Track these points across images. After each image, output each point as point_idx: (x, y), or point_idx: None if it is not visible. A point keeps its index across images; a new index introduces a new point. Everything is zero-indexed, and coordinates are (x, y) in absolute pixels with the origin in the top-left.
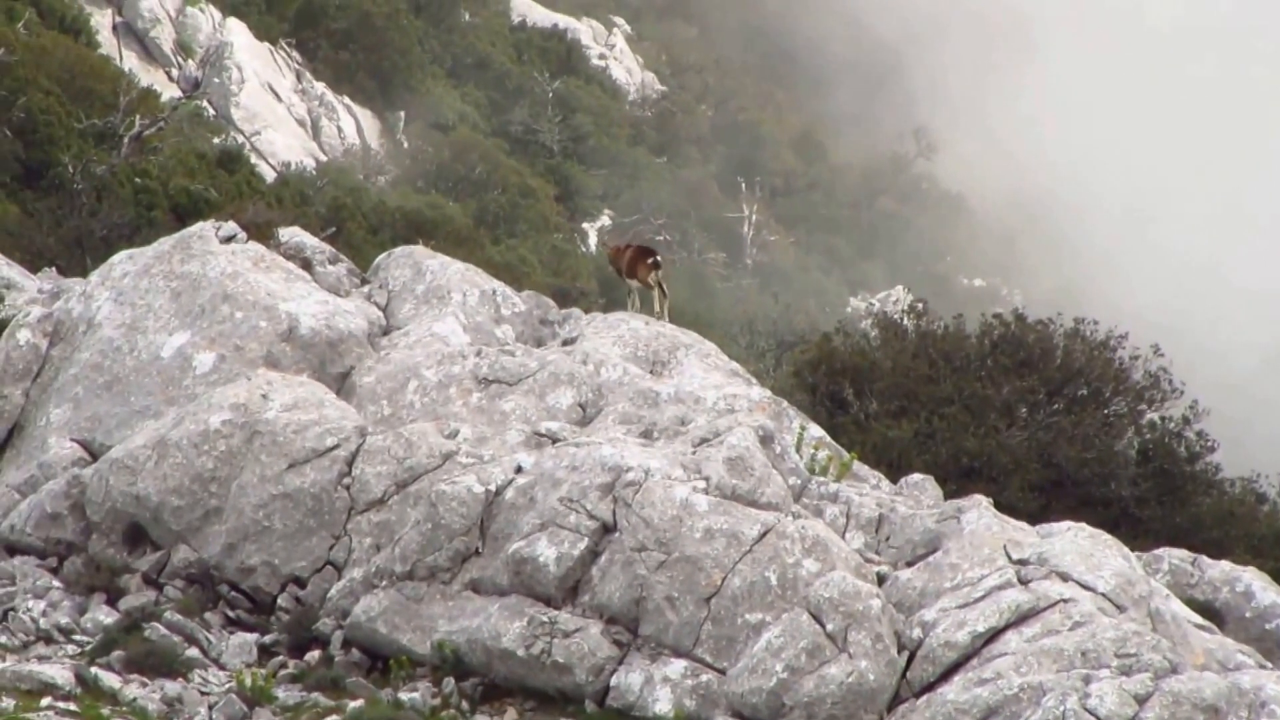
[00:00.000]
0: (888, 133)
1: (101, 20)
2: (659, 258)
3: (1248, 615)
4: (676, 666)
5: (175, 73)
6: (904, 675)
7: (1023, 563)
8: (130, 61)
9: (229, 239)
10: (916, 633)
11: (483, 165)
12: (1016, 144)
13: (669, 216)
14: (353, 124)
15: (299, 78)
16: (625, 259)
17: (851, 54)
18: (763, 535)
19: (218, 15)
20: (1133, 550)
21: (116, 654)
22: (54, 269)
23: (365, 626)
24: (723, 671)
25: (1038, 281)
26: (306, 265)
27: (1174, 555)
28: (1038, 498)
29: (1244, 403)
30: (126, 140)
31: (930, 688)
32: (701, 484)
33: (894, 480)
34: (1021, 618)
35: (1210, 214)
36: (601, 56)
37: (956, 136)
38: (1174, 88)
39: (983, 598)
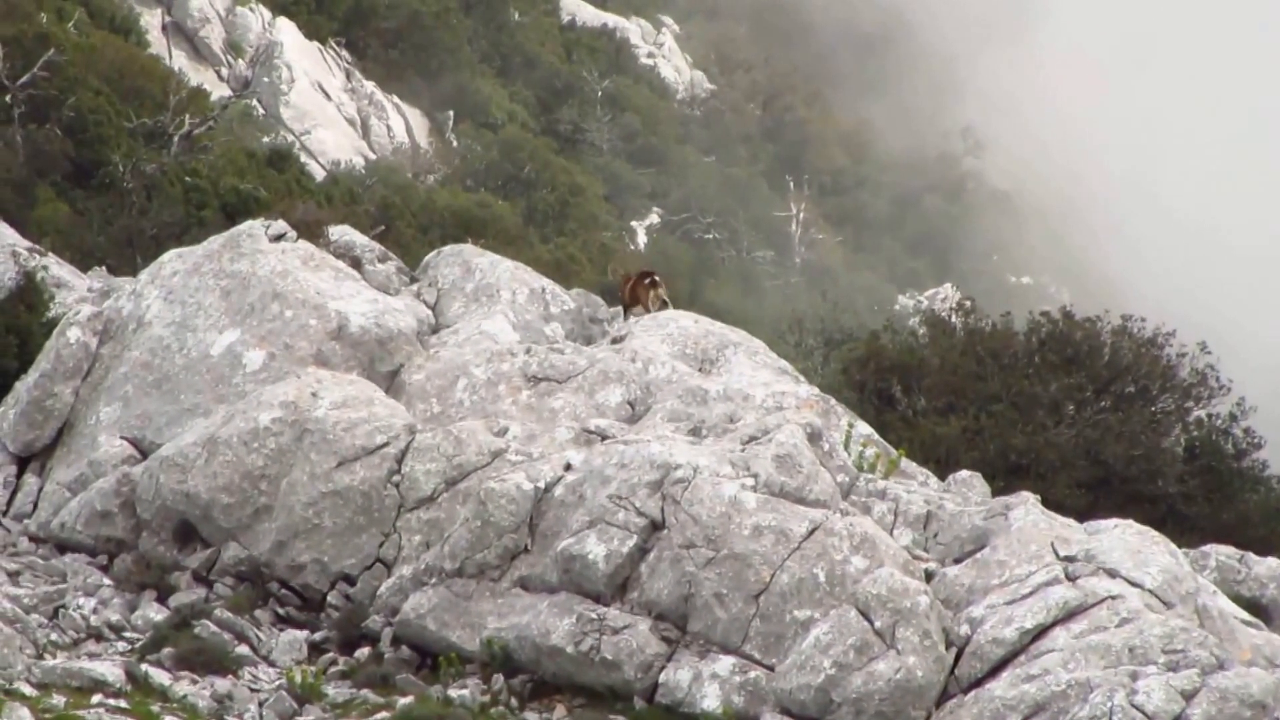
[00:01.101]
0: (933, 130)
1: (151, 20)
2: (656, 276)
3: None
4: (725, 663)
5: (225, 72)
6: (952, 671)
7: (1070, 559)
8: (180, 61)
9: (278, 237)
10: (964, 629)
11: (532, 164)
12: (1062, 141)
13: (717, 215)
14: (402, 123)
15: (348, 77)
16: (628, 289)
17: (896, 51)
18: (811, 532)
19: (267, 14)
20: (1180, 547)
21: (167, 651)
22: (104, 268)
23: (415, 624)
24: (771, 668)
25: (1085, 278)
26: (356, 264)
27: (1221, 552)
28: (1085, 495)
29: None
30: (176, 139)
31: (978, 684)
32: (750, 481)
33: (942, 477)
34: (1069, 614)
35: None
36: (650, 55)
37: (1002, 133)
38: (1223, 77)
39: (1030, 594)
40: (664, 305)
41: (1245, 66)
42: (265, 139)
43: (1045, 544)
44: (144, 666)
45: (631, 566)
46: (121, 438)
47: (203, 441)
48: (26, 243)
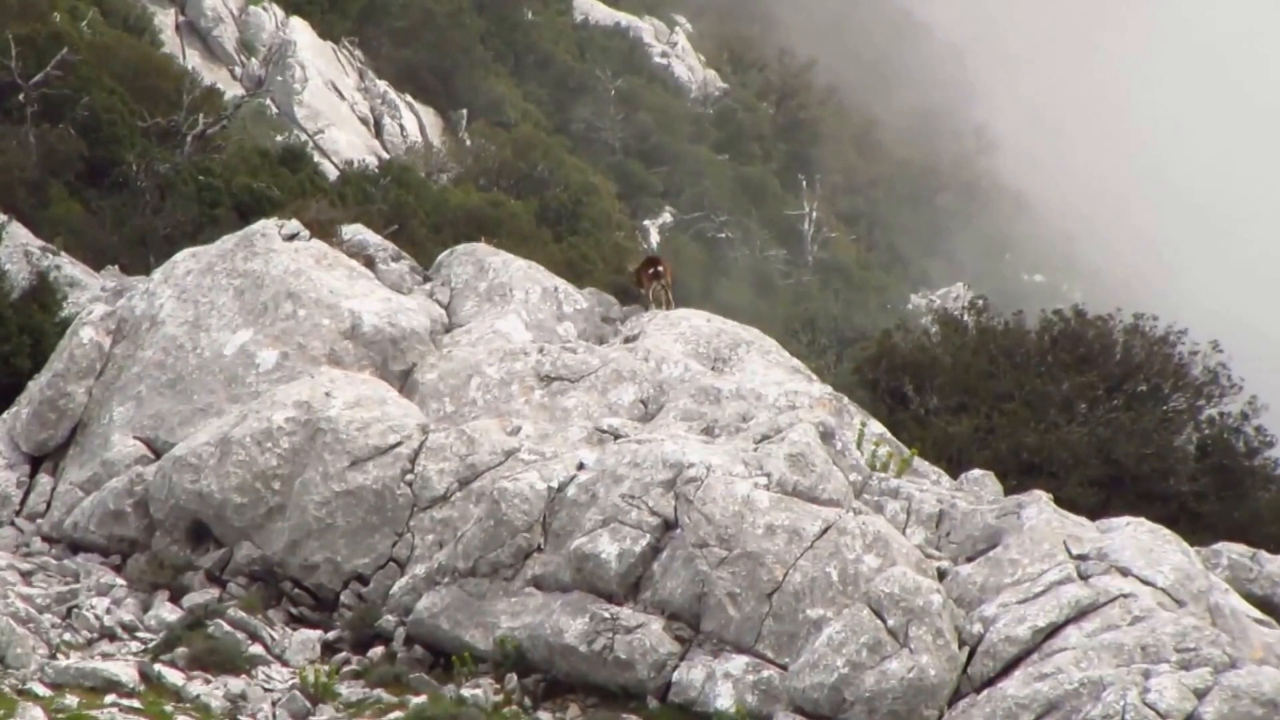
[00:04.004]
0: (946, 128)
1: (165, 19)
2: (661, 266)
3: None
4: (738, 662)
5: (238, 71)
6: (964, 670)
7: (1082, 558)
8: (193, 60)
9: (292, 237)
10: (977, 628)
11: (545, 163)
12: (1074, 140)
13: (730, 214)
14: (415, 122)
15: (361, 76)
16: (637, 274)
17: (909, 49)
18: (824, 531)
19: (280, 14)
20: (1192, 545)
21: (180, 651)
22: (117, 267)
23: (428, 623)
24: (784, 667)
25: (1097, 277)
26: (369, 263)
27: (1233, 550)
28: (1097, 493)
29: None
30: (190, 138)
31: (991, 683)
32: (763, 480)
33: (954, 476)
34: (1081, 613)
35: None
36: (663, 54)
37: (1015, 132)
38: (1240, 75)
39: (1043, 593)
40: (665, 291)
41: (1264, 61)
42: (279, 138)
43: (1057, 542)
44: (157, 666)
45: (644, 566)
46: (135, 437)
47: (216, 441)
48: (40, 242)
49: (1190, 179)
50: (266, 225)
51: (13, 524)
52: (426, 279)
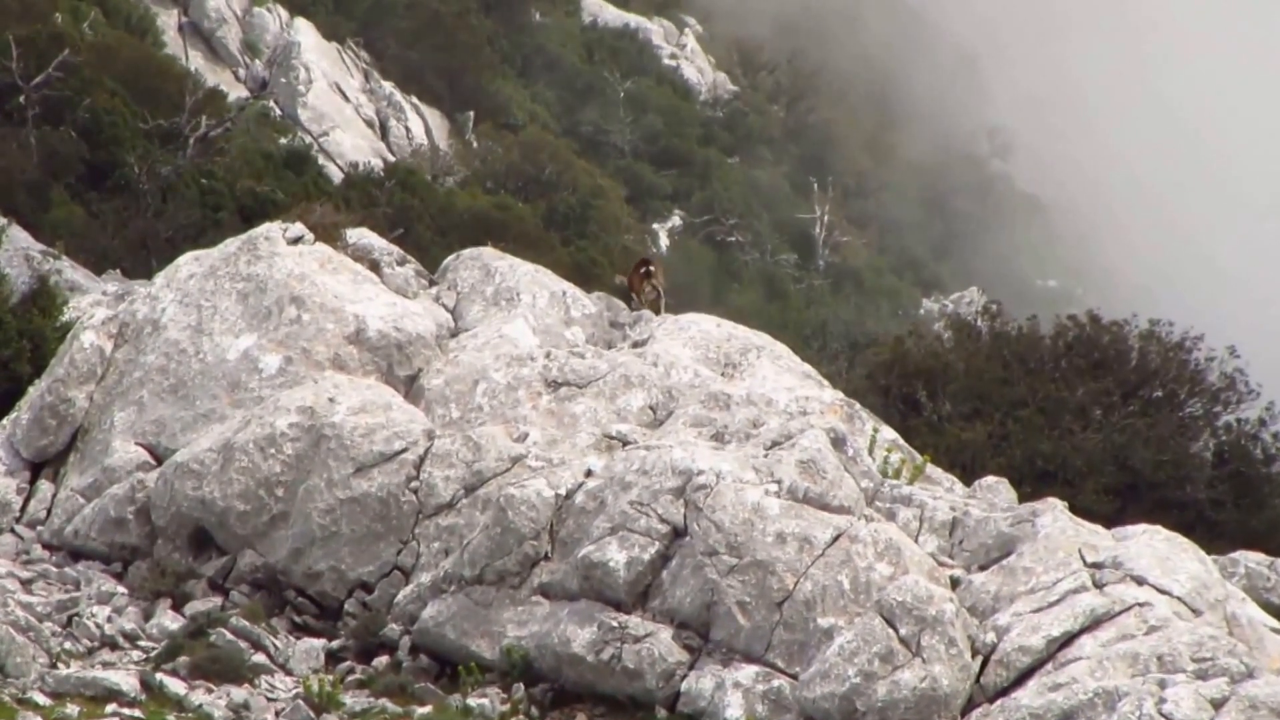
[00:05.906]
0: (959, 131)
1: (167, 20)
2: (652, 266)
3: None
4: (748, 672)
5: (242, 73)
6: (977, 680)
7: (1098, 566)
8: (196, 61)
9: (296, 240)
10: (990, 637)
11: (553, 166)
12: (1089, 143)
13: (740, 217)
14: (421, 124)
15: (367, 77)
16: (629, 278)
17: (922, 51)
18: (835, 539)
19: (285, 15)
20: (1208, 553)
21: (182, 660)
22: (119, 271)
23: (433, 632)
24: (794, 676)
25: (1112, 282)
26: (374, 267)
27: (1250, 558)
28: (1113, 501)
29: None
30: (192, 141)
31: (1004, 693)
32: (773, 487)
33: (968, 483)
34: (1096, 622)
35: None
36: (673, 56)
37: (1029, 135)
38: (1250, 73)
39: (1057, 602)
40: (657, 294)
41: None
42: (282, 140)
43: (1072, 551)
44: (159, 675)
45: (653, 574)
46: (136, 443)
47: (218, 447)
48: (40, 246)
49: (1202, 185)
50: (270, 229)
51: (13, 531)
52: (432, 283)
